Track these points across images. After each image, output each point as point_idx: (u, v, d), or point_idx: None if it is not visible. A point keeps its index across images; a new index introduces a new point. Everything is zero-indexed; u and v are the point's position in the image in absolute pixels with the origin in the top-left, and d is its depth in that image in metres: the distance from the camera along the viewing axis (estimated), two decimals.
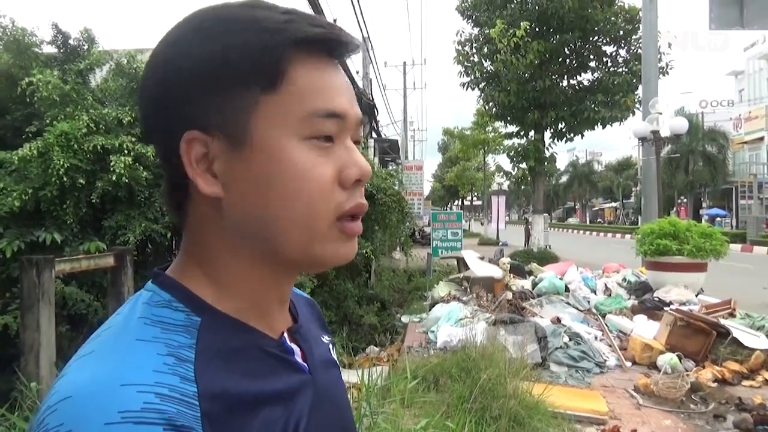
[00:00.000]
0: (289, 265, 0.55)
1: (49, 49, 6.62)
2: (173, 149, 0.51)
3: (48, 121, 5.64)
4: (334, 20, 10.58)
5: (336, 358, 0.69)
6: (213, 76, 0.49)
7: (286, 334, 0.58)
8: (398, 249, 15.08)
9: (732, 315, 5.83)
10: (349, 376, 4.41)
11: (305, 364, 0.58)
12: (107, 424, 0.40)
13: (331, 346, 0.69)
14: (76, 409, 0.42)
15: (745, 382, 4.64)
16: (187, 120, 0.50)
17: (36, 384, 3.37)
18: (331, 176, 0.52)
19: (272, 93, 0.49)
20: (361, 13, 12.11)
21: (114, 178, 5.38)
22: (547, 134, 18.48)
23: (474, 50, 17.92)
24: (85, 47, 6.48)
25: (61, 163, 5.26)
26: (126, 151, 5.60)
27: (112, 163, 5.41)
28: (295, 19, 0.51)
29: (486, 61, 17.71)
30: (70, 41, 6.45)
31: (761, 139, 38.31)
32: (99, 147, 5.52)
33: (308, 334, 0.63)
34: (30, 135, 5.68)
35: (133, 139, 5.79)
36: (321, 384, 0.59)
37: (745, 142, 40.69)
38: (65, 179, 5.32)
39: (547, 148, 18.59)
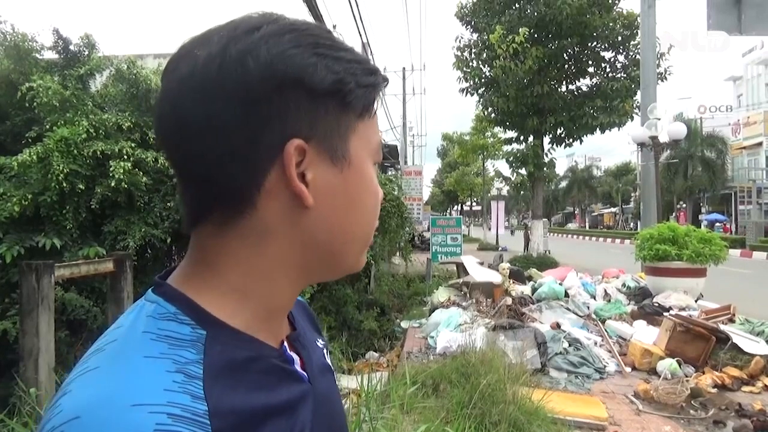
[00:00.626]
0: (332, 274, 0.59)
1: (50, 55, 6.64)
2: (247, 154, 0.49)
3: (48, 127, 5.66)
4: (334, 26, 10.62)
5: (330, 363, 0.69)
6: (327, 92, 0.51)
7: (286, 343, 0.58)
8: (398, 254, 15.07)
9: (731, 320, 5.83)
10: (349, 382, 4.41)
11: (305, 373, 0.58)
12: None
13: (325, 350, 0.69)
14: (85, 431, 0.41)
15: (745, 388, 4.64)
16: (288, 127, 0.50)
17: (35, 390, 3.36)
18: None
19: (362, 121, 0.55)
20: (361, 19, 12.15)
21: (113, 183, 5.39)
22: (546, 139, 18.54)
23: (473, 56, 17.98)
24: (86, 53, 6.49)
25: (61, 168, 5.27)
26: (126, 157, 5.62)
27: (111, 169, 5.42)
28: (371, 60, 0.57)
29: (485, 66, 17.77)
30: (71, 47, 6.46)
31: (760, 144, 38.37)
32: (99, 152, 5.54)
33: (306, 340, 0.63)
34: (30, 140, 5.69)
35: (133, 145, 5.81)
36: (319, 391, 0.59)
37: (744, 148, 40.74)
38: (65, 184, 5.33)
39: (546, 154, 18.65)
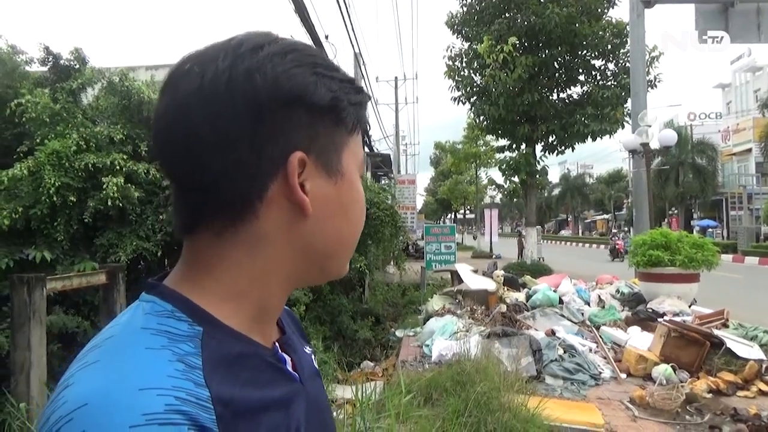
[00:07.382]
0: (321, 279, 0.63)
1: (40, 69, 6.63)
2: (252, 165, 0.52)
3: (38, 140, 5.63)
4: (326, 36, 10.66)
5: (318, 368, 0.71)
6: (325, 109, 0.55)
7: (277, 345, 0.61)
8: (392, 263, 15.04)
9: (725, 325, 5.84)
10: (344, 392, 4.39)
11: (296, 374, 0.60)
12: (132, 426, 0.41)
13: (313, 356, 0.71)
14: (96, 415, 0.42)
15: (740, 393, 4.64)
16: (291, 141, 0.53)
17: (26, 404, 3.33)
18: None
19: (352, 136, 0.59)
20: (353, 29, 12.22)
21: (108, 202, 5.36)
22: (538, 147, 18.58)
23: (464, 65, 18.06)
24: (77, 67, 6.47)
25: (52, 181, 5.25)
26: (118, 168, 5.59)
27: (104, 186, 5.39)
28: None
29: (476, 75, 17.85)
30: (61, 61, 6.45)
31: (749, 150, 38.75)
32: (90, 165, 5.51)
33: (295, 344, 0.66)
34: (21, 155, 5.66)
35: (125, 157, 5.78)
36: (311, 394, 0.62)
37: (734, 154, 41.14)
38: (56, 197, 5.30)
39: (539, 161, 18.68)
